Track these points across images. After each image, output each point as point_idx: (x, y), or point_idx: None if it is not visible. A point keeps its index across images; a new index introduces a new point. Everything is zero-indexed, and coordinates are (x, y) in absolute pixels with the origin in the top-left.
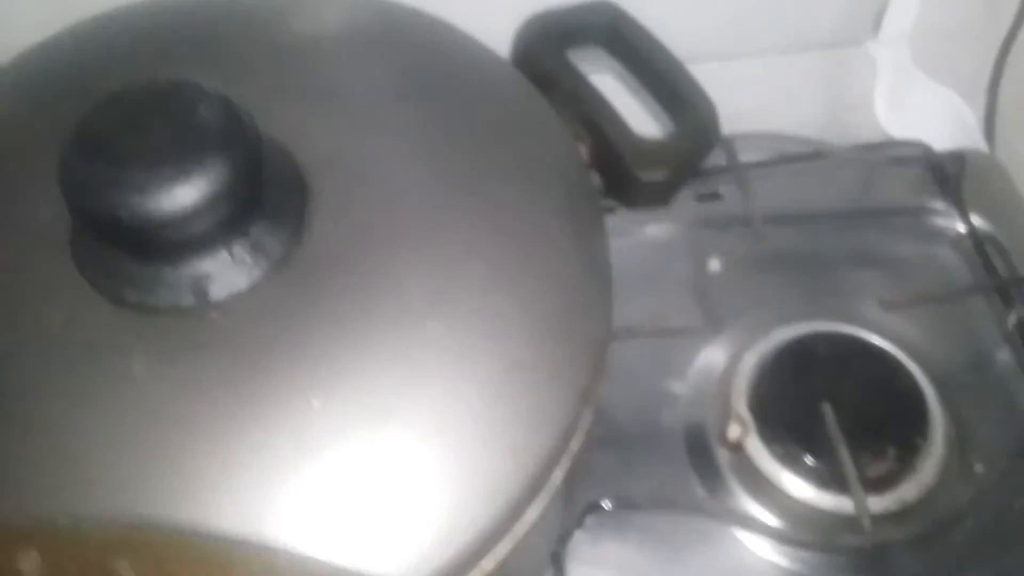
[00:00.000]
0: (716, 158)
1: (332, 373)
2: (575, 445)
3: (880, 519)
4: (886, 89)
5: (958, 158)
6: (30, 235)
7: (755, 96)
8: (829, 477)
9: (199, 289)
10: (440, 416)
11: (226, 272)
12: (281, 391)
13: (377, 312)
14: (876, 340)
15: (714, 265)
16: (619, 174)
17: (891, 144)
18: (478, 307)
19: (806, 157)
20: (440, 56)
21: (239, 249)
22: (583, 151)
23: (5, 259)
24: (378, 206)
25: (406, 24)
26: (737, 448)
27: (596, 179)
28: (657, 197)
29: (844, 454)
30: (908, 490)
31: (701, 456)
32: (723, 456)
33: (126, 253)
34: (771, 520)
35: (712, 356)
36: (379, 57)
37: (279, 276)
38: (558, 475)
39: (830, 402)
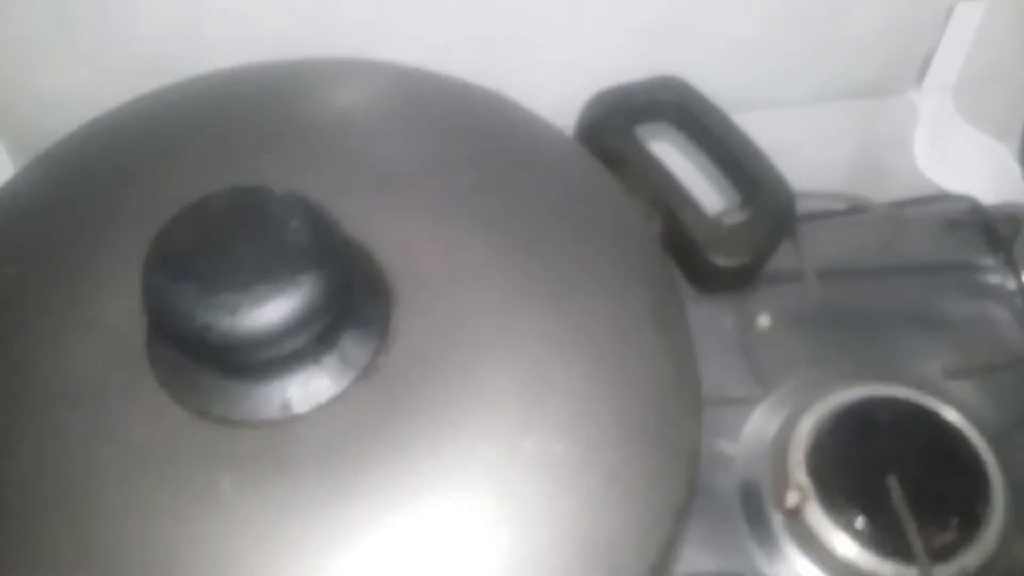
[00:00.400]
0: None
1: (422, 490)
2: (671, 562)
3: None
4: (928, 138)
5: (1012, 218)
6: (100, 338)
7: (788, 144)
8: (892, 547)
9: (285, 403)
10: (537, 538)
11: (313, 384)
12: (369, 509)
13: (467, 425)
14: (935, 406)
15: (763, 321)
16: (693, 259)
17: (938, 198)
18: (571, 419)
19: (851, 212)
20: (508, 136)
21: (327, 361)
22: (655, 234)
23: (77, 365)
24: (462, 307)
25: (470, 102)
26: (795, 514)
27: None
28: (733, 283)
29: (911, 527)
30: (970, 559)
31: (757, 519)
32: (779, 520)
33: (211, 368)
34: None
35: (765, 417)
36: (446, 139)
37: (365, 385)
38: None
39: (891, 469)
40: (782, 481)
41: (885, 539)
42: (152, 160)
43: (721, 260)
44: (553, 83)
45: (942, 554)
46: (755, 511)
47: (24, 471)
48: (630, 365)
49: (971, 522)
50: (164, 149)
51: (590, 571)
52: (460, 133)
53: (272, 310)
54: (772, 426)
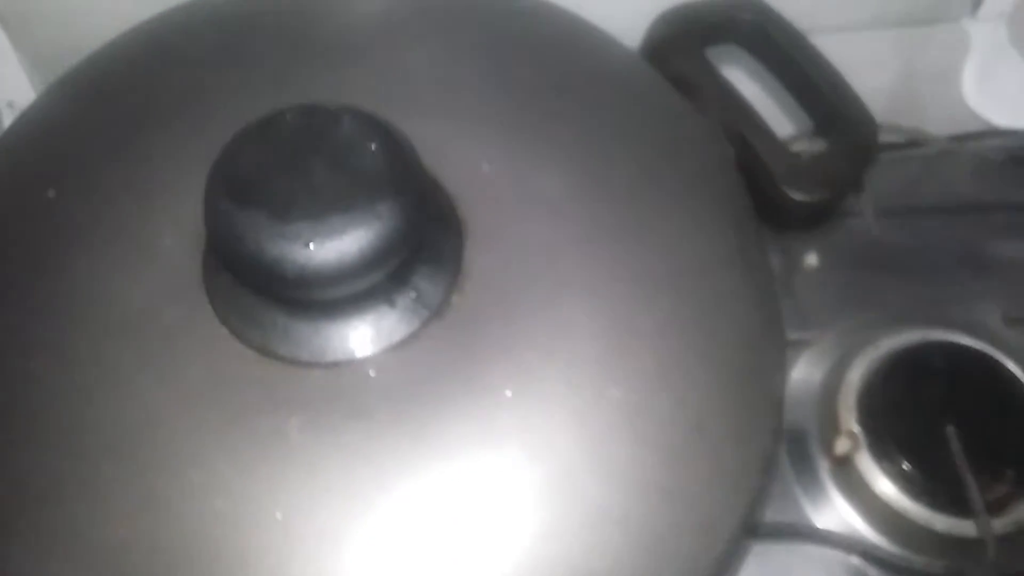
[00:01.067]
0: None
1: (500, 437)
2: (759, 513)
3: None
4: (978, 69)
5: None
6: (152, 267)
7: None
8: (945, 498)
9: (355, 343)
10: (622, 489)
11: (385, 324)
12: (444, 456)
13: (548, 370)
14: (994, 353)
15: (811, 260)
16: (766, 192)
17: (995, 134)
18: (656, 366)
19: (906, 146)
20: (580, 56)
21: (399, 299)
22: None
23: (127, 296)
24: (538, 242)
25: (539, 19)
26: (843, 461)
27: None
28: (808, 220)
29: (969, 479)
30: None
31: (803, 466)
32: (826, 467)
33: (277, 303)
34: (875, 535)
35: (812, 361)
36: (516, 59)
37: (438, 325)
38: (743, 547)
39: (946, 418)
40: (831, 427)
41: (938, 490)
42: (194, 75)
43: (799, 195)
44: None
45: (995, 506)
46: (801, 457)
47: (75, 413)
48: (716, 308)
49: None
50: (206, 63)
51: (677, 524)
52: (530, 53)
53: (350, 243)
54: (819, 370)
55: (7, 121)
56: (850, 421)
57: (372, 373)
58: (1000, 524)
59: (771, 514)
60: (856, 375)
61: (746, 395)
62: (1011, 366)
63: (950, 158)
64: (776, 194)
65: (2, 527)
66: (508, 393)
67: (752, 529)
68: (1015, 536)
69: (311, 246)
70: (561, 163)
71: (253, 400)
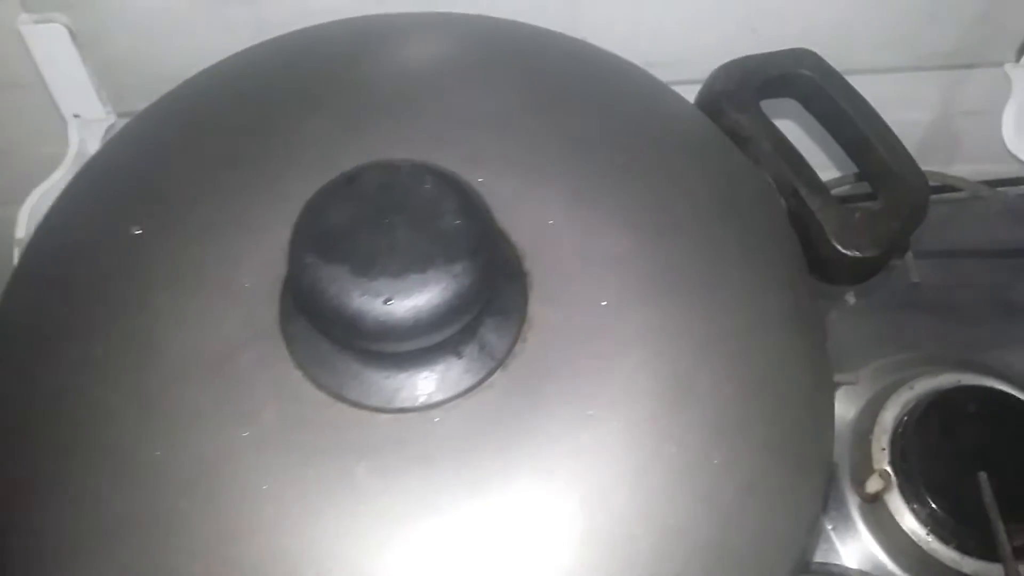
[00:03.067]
0: None
1: (559, 488)
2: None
3: None
4: (1018, 112)
5: None
6: (231, 308)
7: None
8: (975, 542)
9: (424, 392)
10: (674, 546)
11: (451, 374)
12: (505, 504)
13: (607, 423)
14: None
15: (849, 299)
16: (817, 247)
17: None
18: (713, 424)
19: (942, 189)
20: (641, 108)
21: (467, 351)
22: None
23: (206, 336)
24: (600, 296)
25: (599, 67)
26: (875, 500)
27: None
28: (859, 275)
29: (999, 527)
30: None
31: (834, 501)
32: (856, 504)
33: (352, 352)
34: (902, 574)
35: (846, 398)
36: (578, 110)
37: (502, 375)
38: None
39: (978, 463)
40: (863, 466)
41: (967, 533)
42: (276, 117)
43: (851, 251)
44: (684, 53)
45: (1021, 552)
46: (833, 493)
47: (151, 449)
48: (771, 367)
49: None
50: (286, 106)
51: None
52: (596, 106)
53: (427, 300)
54: (853, 408)
55: (73, 133)
56: (882, 461)
57: (437, 420)
58: None
59: None
60: (890, 416)
61: (797, 455)
62: None
63: (985, 202)
64: (827, 250)
65: (79, 561)
66: (567, 445)
67: None
68: None
69: (391, 303)
70: (624, 218)
71: (324, 443)
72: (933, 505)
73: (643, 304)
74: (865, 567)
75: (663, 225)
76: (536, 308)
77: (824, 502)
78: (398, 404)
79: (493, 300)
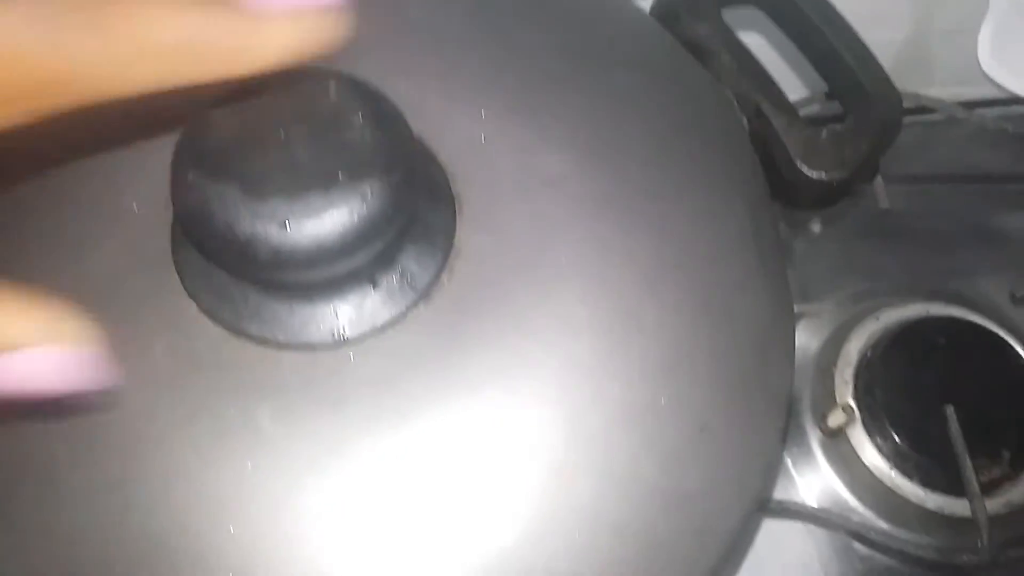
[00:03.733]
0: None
1: (487, 432)
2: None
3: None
4: (995, 32)
5: None
6: (117, 234)
7: None
8: (940, 477)
9: (335, 327)
10: (618, 492)
11: (367, 306)
12: (425, 448)
13: (542, 362)
14: (998, 331)
15: (814, 227)
16: (781, 168)
17: (1008, 101)
18: (660, 361)
19: (914, 111)
20: (583, 14)
21: (385, 280)
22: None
23: (91, 264)
24: (537, 222)
25: None
26: (836, 435)
27: None
28: (824, 199)
29: (966, 461)
30: (1017, 494)
31: (794, 436)
32: (817, 438)
33: (251, 282)
34: (864, 510)
35: (809, 330)
36: (515, 16)
37: (425, 309)
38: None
39: (945, 396)
40: (825, 400)
41: (932, 468)
42: None
43: (816, 173)
44: None
45: (988, 487)
46: (793, 427)
47: None
48: (725, 300)
49: (1022, 456)
50: None
51: (674, 528)
52: (535, 11)
53: (331, 223)
54: (816, 340)
55: None
56: (845, 394)
57: (352, 358)
58: (992, 505)
59: None
60: (854, 347)
61: (754, 393)
62: (1016, 346)
63: (960, 125)
64: (791, 172)
65: None
66: (496, 385)
67: (749, 529)
68: (1006, 517)
69: (287, 226)
70: (566, 136)
71: (221, 383)
72: (897, 439)
73: (584, 231)
74: (825, 503)
75: (608, 144)
76: (465, 235)
77: (782, 442)
78: (305, 339)
79: (415, 225)
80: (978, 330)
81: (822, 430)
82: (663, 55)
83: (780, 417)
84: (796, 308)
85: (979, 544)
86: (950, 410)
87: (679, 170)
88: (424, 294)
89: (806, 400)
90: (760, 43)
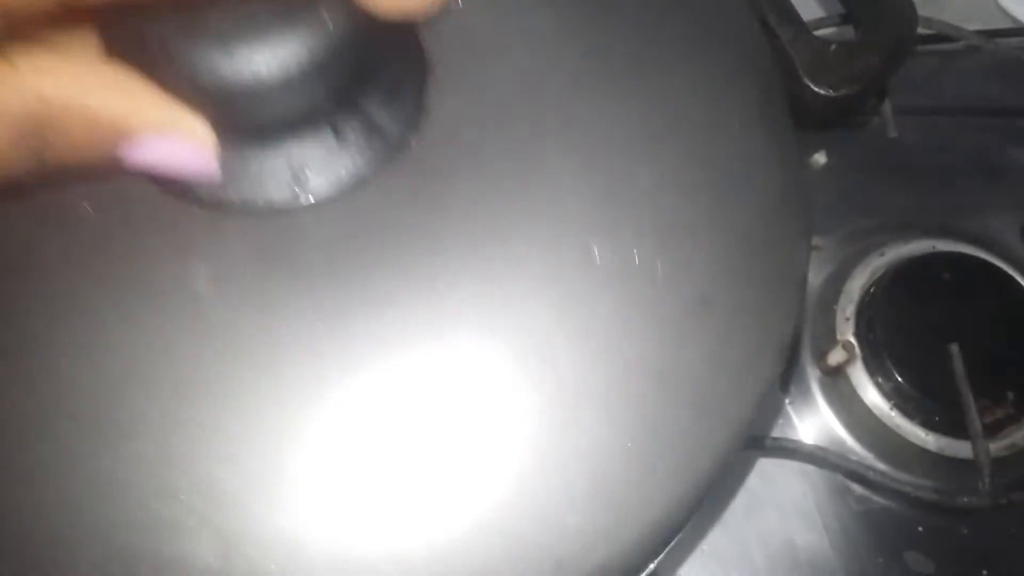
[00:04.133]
0: None
1: (460, 301)
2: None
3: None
4: None
5: None
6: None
7: None
8: (942, 417)
9: (296, 180)
10: (603, 367)
11: (326, 157)
12: (384, 321)
13: (521, 224)
14: (1007, 268)
15: (819, 158)
16: (788, 84)
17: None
18: (655, 223)
19: (929, 39)
20: None
21: (348, 128)
22: None
23: None
24: (519, 84)
25: None
26: (836, 373)
27: None
28: (831, 117)
29: (970, 401)
30: (1022, 436)
31: (791, 371)
32: (816, 377)
33: None
34: (862, 450)
35: (813, 266)
36: None
37: (393, 170)
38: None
39: (949, 334)
40: (826, 337)
41: (934, 409)
42: None
43: (822, 88)
44: None
45: (992, 429)
46: (791, 365)
47: None
48: (731, 168)
49: None
50: None
51: (670, 410)
52: None
53: (279, 45)
54: (819, 276)
55: None
56: (846, 331)
57: (307, 219)
58: (995, 447)
59: (756, 422)
60: (857, 284)
61: (763, 267)
62: (1019, 278)
63: (976, 56)
64: (796, 86)
65: None
66: (471, 250)
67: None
68: (1009, 459)
69: (231, 49)
70: (555, 6)
71: (152, 242)
72: (899, 378)
73: (570, 93)
74: (823, 443)
75: (596, 13)
76: (438, 96)
77: (797, 326)
78: (260, 196)
79: (381, 73)
80: (986, 266)
81: (821, 369)
82: None
83: (795, 295)
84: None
85: (980, 486)
86: (954, 349)
87: (679, 32)
88: (395, 149)
89: (806, 338)
90: None
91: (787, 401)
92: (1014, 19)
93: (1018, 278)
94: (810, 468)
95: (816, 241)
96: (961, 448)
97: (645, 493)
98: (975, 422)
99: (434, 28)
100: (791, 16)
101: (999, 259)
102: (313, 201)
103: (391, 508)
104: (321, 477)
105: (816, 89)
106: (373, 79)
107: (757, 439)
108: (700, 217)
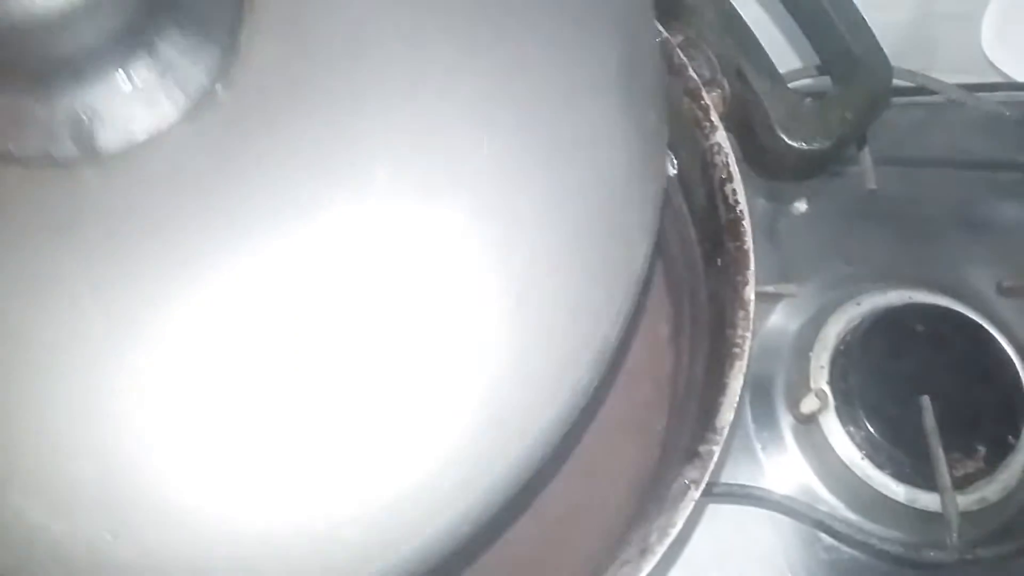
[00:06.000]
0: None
1: (283, 252)
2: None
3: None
4: (1000, 16)
5: None
6: None
7: None
8: (912, 469)
9: (82, 132)
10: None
11: (115, 105)
12: (178, 295)
13: (326, 191)
14: (981, 322)
15: (799, 206)
16: (760, 135)
17: (1009, 87)
18: (467, 200)
19: (913, 91)
20: None
21: (143, 73)
22: (717, 100)
23: None
24: (347, 34)
25: None
26: (809, 421)
27: (730, 139)
28: (803, 170)
29: (939, 454)
30: (991, 491)
31: (765, 418)
32: (789, 424)
33: None
34: (833, 499)
35: (789, 311)
36: None
37: (198, 118)
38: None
39: (922, 386)
40: (800, 384)
41: (904, 460)
42: None
43: (796, 142)
44: None
45: (962, 483)
46: (765, 411)
47: None
48: (575, 140)
49: (998, 451)
50: None
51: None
52: None
53: None
54: (795, 323)
55: None
56: (820, 380)
57: (88, 175)
58: (965, 501)
59: (728, 468)
60: (832, 332)
61: (590, 260)
62: (999, 338)
63: (959, 110)
64: (769, 138)
65: None
66: (275, 232)
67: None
68: (979, 514)
69: None
70: None
71: None
72: (869, 428)
73: (405, 50)
74: (794, 490)
75: None
76: (253, 37)
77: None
78: (41, 150)
79: (182, 11)
80: (960, 319)
81: (794, 416)
82: None
83: (622, 299)
84: (776, 288)
85: (948, 541)
86: (925, 401)
87: None
88: (196, 101)
89: (780, 384)
90: (755, 15)
91: (759, 447)
92: (1003, 73)
93: (993, 333)
94: (780, 516)
95: (791, 288)
96: (931, 501)
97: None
98: (944, 475)
99: None
100: (767, 68)
101: (975, 312)
102: (90, 151)
103: None
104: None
105: (789, 142)
106: (170, 14)
107: (727, 489)
108: (527, 199)
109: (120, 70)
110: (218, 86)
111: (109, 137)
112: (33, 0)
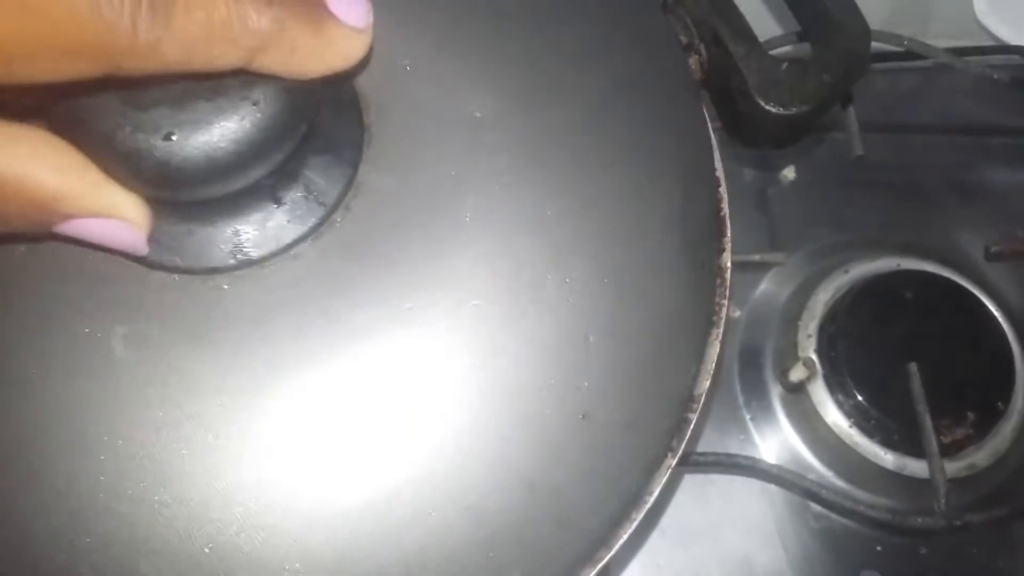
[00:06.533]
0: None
1: (351, 394)
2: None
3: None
4: None
5: None
6: None
7: None
8: (900, 436)
9: (239, 246)
10: (481, 472)
11: (271, 223)
12: (295, 384)
13: (423, 322)
14: (970, 287)
15: (788, 174)
16: (737, 101)
17: (1000, 50)
18: (551, 339)
19: (903, 55)
20: None
21: (290, 197)
22: (695, 66)
23: None
24: (448, 169)
25: None
26: (797, 389)
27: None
28: (782, 136)
29: (927, 420)
30: (981, 457)
31: (754, 388)
32: (778, 393)
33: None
34: (821, 467)
35: (778, 281)
36: None
37: (329, 232)
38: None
39: (911, 353)
40: (788, 353)
41: (892, 427)
42: None
43: (773, 107)
44: None
45: (950, 449)
46: (753, 380)
47: None
48: (637, 283)
49: (988, 418)
50: None
51: (535, 516)
52: None
53: (219, 134)
54: (784, 291)
55: None
56: (808, 348)
57: (225, 286)
58: (954, 468)
59: (716, 437)
60: (820, 300)
61: (647, 389)
62: (988, 303)
63: (949, 74)
64: (747, 104)
65: None
66: (375, 342)
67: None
68: (967, 480)
69: (172, 137)
70: (494, 81)
71: (73, 301)
72: (858, 396)
73: (495, 187)
74: (784, 459)
75: (538, 96)
76: (369, 171)
77: (670, 445)
78: (170, 262)
79: (317, 138)
80: (949, 285)
81: (783, 385)
82: (626, 6)
83: (671, 417)
84: (764, 258)
85: (936, 507)
86: (913, 368)
87: (612, 135)
88: (328, 216)
89: (769, 353)
90: None
91: (748, 417)
92: (995, 37)
93: (982, 298)
94: (770, 485)
95: (779, 257)
96: (920, 468)
97: None
98: (932, 442)
99: (375, 93)
100: (745, 33)
101: (964, 278)
102: (226, 268)
103: None
104: None
105: (767, 107)
106: (312, 146)
107: (714, 458)
108: (597, 332)
109: (271, 199)
110: (338, 214)
111: (261, 248)
112: (194, 152)
